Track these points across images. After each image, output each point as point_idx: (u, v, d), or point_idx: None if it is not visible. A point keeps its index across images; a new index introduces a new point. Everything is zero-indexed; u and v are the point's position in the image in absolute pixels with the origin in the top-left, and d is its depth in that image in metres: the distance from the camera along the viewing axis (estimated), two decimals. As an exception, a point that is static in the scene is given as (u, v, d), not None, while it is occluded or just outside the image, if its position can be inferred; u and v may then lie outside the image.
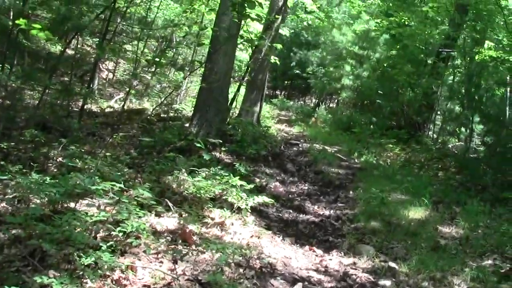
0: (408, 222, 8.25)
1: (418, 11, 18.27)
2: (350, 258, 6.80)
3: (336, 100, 29.90)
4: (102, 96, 16.91)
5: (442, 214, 8.92)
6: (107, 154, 8.71)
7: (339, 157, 13.84)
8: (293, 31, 29.90)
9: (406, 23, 19.29)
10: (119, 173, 7.05)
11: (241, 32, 12.66)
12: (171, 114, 14.96)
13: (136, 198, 5.68)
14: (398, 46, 19.97)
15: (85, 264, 4.35)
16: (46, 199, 5.35)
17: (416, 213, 8.76)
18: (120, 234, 5.02)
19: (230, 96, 13.33)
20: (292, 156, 13.61)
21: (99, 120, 12.93)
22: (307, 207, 9.57)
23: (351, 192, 10.50)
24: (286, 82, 35.56)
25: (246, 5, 8.87)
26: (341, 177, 11.90)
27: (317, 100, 31.15)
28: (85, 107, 14.28)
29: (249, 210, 7.25)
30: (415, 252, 7.00)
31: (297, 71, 30.48)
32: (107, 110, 14.77)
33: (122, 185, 5.50)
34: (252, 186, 7.54)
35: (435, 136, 18.90)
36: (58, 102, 12.04)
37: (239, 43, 13.17)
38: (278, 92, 36.79)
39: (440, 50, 18.38)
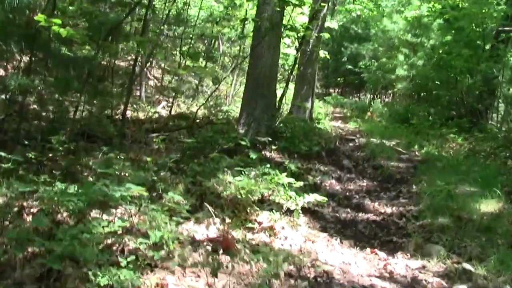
0: (480, 217, 7.34)
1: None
2: (418, 260, 5.92)
3: (391, 93, 29.19)
4: (149, 103, 16.66)
5: (517, 206, 8.04)
6: (148, 159, 8.19)
7: (399, 151, 13.07)
8: (341, 23, 29.31)
9: (460, 5, 18.49)
10: (155, 178, 6.43)
11: (285, 23, 12.04)
12: (220, 116, 14.49)
13: (168, 204, 5.00)
14: (453, 31, 19.10)
15: (102, 284, 3.68)
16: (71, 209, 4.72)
17: (488, 206, 7.84)
18: (142, 246, 4.33)
19: (278, 92, 12.69)
20: (348, 151, 12.87)
21: (145, 127, 12.55)
22: (367, 205, 8.73)
23: (413, 187, 9.62)
24: (338, 79, 34.96)
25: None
26: (401, 171, 11.09)
27: (371, 95, 30.41)
28: (133, 114, 14.00)
29: (301, 212, 6.51)
30: (492, 251, 6.10)
31: (349, 66, 29.94)
32: (154, 116, 14.44)
33: (144, 191, 4.83)
34: (301, 183, 6.74)
35: (498, 124, 17.99)
36: (106, 111, 11.72)
37: (283, 36, 12.53)
38: (331, 90, 36.07)
39: (500, 29, 17.45)
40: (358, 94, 35.61)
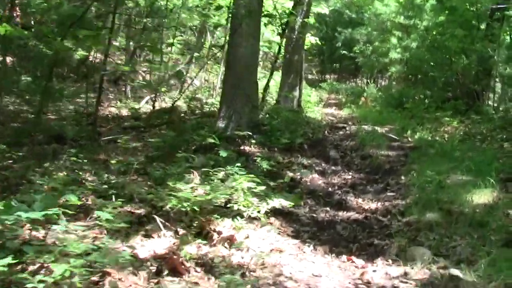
0: (473, 209, 6.71)
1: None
2: (399, 266, 5.22)
3: (387, 77, 28.77)
4: (135, 99, 16.23)
5: (514, 194, 7.41)
6: (112, 162, 7.65)
7: (390, 137, 12.48)
8: (334, 8, 28.92)
9: (453, -16, 17.91)
10: (106, 186, 5.84)
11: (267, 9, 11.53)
12: (206, 109, 13.98)
13: (98, 219, 4.34)
14: (446, 11, 18.52)
15: None
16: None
17: (482, 196, 7.19)
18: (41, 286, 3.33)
19: (261, 82, 12.14)
20: (337, 141, 12.27)
21: (125, 124, 12.04)
22: (349, 201, 8.02)
23: (402, 178, 8.94)
24: (334, 64, 34.52)
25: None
26: (391, 160, 10.44)
27: (367, 80, 29.94)
28: (114, 111, 13.53)
29: (265, 217, 5.79)
30: (484, 250, 5.49)
31: (344, 52, 29.52)
32: (137, 112, 13.99)
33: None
34: (263, 188, 5.98)
35: (495, 104, 17.44)
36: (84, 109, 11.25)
37: (265, 23, 11.97)
38: (327, 76, 35.60)
39: (494, 7, 16.87)
40: (355, 79, 35.15)
